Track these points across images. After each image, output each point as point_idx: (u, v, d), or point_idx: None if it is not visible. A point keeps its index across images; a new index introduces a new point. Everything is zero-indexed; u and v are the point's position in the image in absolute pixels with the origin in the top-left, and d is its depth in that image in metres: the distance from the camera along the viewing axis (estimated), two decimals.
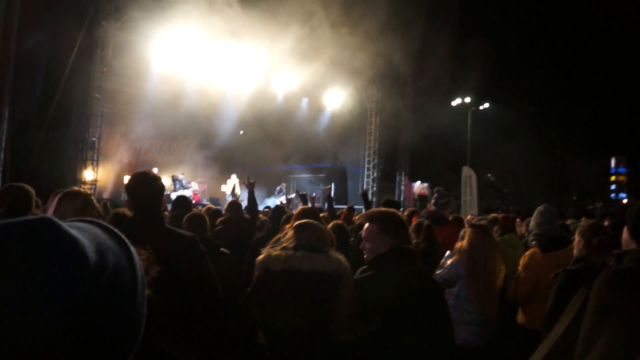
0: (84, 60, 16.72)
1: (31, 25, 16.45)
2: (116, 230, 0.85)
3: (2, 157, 14.62)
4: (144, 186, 3.09)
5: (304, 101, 23.63)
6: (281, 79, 20.93)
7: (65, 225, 0.74)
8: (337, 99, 23.39)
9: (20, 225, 0.71)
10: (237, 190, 20.94)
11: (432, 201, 6.52)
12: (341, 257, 3.14)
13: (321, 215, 5.53)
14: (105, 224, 0.85)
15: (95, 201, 5.24)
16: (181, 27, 16.42)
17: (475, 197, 22.60)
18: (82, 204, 3.18)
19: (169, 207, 7.35)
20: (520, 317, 4.52)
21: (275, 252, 3.12)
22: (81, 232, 0.76)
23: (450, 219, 6.49)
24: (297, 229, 3.25)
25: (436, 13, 18.31)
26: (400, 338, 2.80)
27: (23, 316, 0.66)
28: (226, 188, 21.12)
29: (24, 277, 0.68)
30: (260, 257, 3.13)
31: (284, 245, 3.19)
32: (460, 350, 4.32)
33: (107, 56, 17.17)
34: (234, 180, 20.97)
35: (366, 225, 3.15)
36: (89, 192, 4.01)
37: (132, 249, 0.85)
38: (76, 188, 3.41)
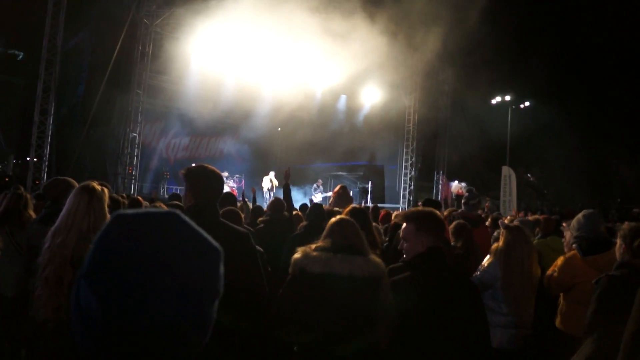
0: (126, 57, 17.06)
1: (75, 24, 16.88)
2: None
3: (47, 151, 15.02)
4: (206, 179, 3.08)
5: (342, 98, 23.59)
6: (320, 75, 20.91)
7: (190, 222, 0.80)
8: (375, 96, 23.25)
9: (154, 215, 0.77)
10: (275, 185, 21.04)
11: (463, 201, 6.40)
12: (378, 259, 3.08)
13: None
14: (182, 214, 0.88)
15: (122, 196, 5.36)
16: (221, 24, 16.55)
17: (515, 197, 22.24)
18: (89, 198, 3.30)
19: None
20: (558, 321, 4.41)
21: (314, 253, 3.04)
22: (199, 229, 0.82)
23: (488, 219, 6.38)
24: (334, 227, 3.19)
25: (476, 10, 17.99)
26: (435, 340, 2.77)
27: (183, 307, 0.72)
28: (264, 184, 21.24)
29: (169, 264, 0.73)
30: (297, 255, 3.06)
31: (319, 244, 3.12)
32: (495, 353, 4.25)
33: (148, 53, 17.50)
34: (271, 176, 21.06)
35: (404, 224, 3.13)
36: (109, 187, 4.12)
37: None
38: (94, 184, 3.48)
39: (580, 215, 4.56)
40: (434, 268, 2.95)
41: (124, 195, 6.90)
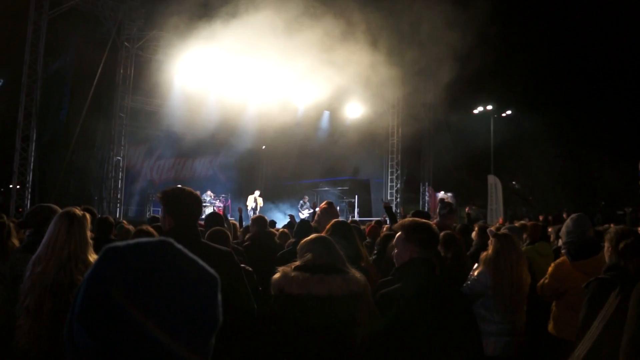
0: (108, 81, 17.03)
1: (56, 49, 16.83)
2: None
3: (30, 178, 14.88)
4: (184, 201, 3.07)
5: (325, 114, 23.68)
6: (302, 92, 21.00)
7: (183, 249, 0.77)
8: (358, 110, 23.37)
9: (147, 246, 0.74)
10: (260, 205, 21.06)
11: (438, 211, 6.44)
12: (359, 274, 3.04)
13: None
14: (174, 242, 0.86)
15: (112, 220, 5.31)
16: (203, 45, 16.60)
17: (501, 205, 22.38)
18: (69, 223, 3.27)
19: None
20: (551, 326, 4.43)
21: (292, 273, 2.99)
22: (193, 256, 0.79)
23: (475, 229, 6.39)
24: (310, 246, 3.13)
25: (456, 22, 18.21)
26: (426, 351, 2.76)
27: (183, 340, 0.69)
28: (248, 203, 21.22)
29: (165, 297, 0.70)
30: (276, 276, 3.02)
31: (298, 264, 3.07)
32: None
33: (130, 76, 17.47)
34: (255, 195, 21.09)
35: (398, 233, 3.16)
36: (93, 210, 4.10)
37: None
38: (75, 209, 3.46)
39: (568, 220, 4.59)
40: (419, 277, 2.95)
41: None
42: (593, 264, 4.05)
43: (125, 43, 17.20)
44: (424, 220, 3.25)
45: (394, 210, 24.19)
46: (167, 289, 0.70)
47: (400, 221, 3.27)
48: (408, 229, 3.10)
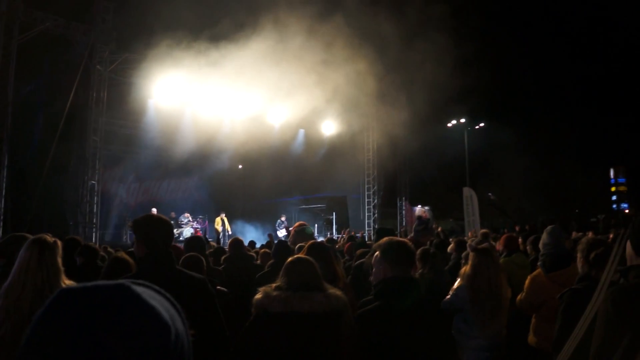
0: (81, 104, 16.87)
1: (27, 73, 16.65)
2: (170, 296, 0.85)
3: (2, 204, 14.62)
4: (155, 228, 3.13)
5: (301, 132, 23.74)
6: (277, 111, 21.07)
7: (141, 292, 0.73)
8: (333, 128, 23.49)
9: (101, 290, 0.71)
10: (228, 227, 21.08)
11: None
12: (339, 292, 3.07)
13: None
14: (160, 289, 0.84)
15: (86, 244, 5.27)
16: (175, 66, 16.59)
17: (478, 217, 22.55)
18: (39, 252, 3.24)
19: None
20: (531, 338, 4.47)
21: (274, 292, 3.02)
22: (153, 300, 0.75)
23: (452, 244, 6.46)
24: (290, 267, 3.16)
25: (427, 36, 18.49)
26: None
27: None
28: (216, 225, 21.20)
29: (109, 346, 0.66)
30: (258, 296, 3.03)
31: (278, 284, 3.09)
32: None
33: (103, 99, 17.32)
34: (222, 217, 21.13)
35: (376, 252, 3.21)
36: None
37: (183, 314, 0.85)
38: (47, 236, 3.42)
39: (544, 233, 4.68)
40: (393, 296, 2.99)
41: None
42: (567, 275, 4.13)
43: (98, 66, 17.08)
44: (399, 239, 3.29)
45: (371, 226, 24.27)
46: (111, 338, 0.67)
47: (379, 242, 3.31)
48: (382, 248, 3.15)
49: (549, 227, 4.71)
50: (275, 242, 6.44)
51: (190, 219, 20.84)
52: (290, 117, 21.11)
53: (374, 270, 3.16)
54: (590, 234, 9.22)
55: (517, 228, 16.61)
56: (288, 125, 21.87)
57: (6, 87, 14.76)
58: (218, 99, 19.24)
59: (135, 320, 0.69)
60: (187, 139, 20.10)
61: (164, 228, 3.17)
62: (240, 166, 24.31)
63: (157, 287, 0.85)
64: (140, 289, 0.76)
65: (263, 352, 2.97)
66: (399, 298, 3.00)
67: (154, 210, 16.20)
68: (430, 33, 18.46)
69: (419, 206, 28.22)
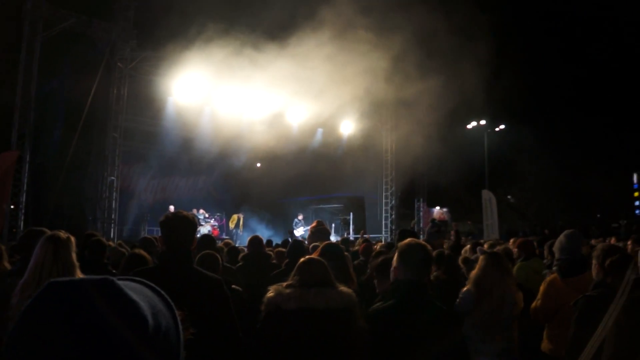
0: (101, 101, 17.06)
1: (49, 70, 16.89)
2: (163, 293, 0.89)
3: (24, 199, 14.84)
4: (177, 227, 3.15)
5: (319, 132, 23.72)
6: (295, 110, 21.08)
7: (124, 286, 0.77)
8: (352, 128, 23.43)
9: (83, 285, 0.75)
10: (241, 227, 21.20)
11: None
12: (350, 290, 3.11)
13: None
14: (153, 285, 0.89)
15: (106, 242, 5.32)
16: (195, 64, 16.68)
17: (496, 220, 22.36)
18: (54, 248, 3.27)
19: None
20: (544, 345, 4.40)
21: (287, 290, 3.05)
22: (138, 294, 0.79)
23: (467, 247, 6.40)
24: (302, 267, 3.19)
25: (449, 38, 18.36)
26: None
27: None
28: (231, 222, 21.33)
29: (87, 337, 0.71)
30: (270, 294, 3.06)
31: (290, 282, 3.12)
32: None
33: (124, 96, 17.49)
34: (240, 215, 21.28)
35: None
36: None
37: (176, 312, 0.89)
38: (61, 233, 3.48)
39: (561, 236, 4.60)
40: (405, 298, 3.00)
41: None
42: (584, 281, 4.05)
43: (119, 64, 17.25)
44: (419, 242, 3.27)
45: (388, 227, 24.17)
46: (90, 330, 0.72)
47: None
48: (400, 249, 3.14)
49: (568, 231, 4.63)
50: (291, 241, 6.44)
51: (206, 216, 20.94)
52: (309, 117, 21.11)
53: (392, 273, 3.15)
54: (612, 240, 9.07)
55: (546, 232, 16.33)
56: (307, 124, 21.86)
57: (30, 83, 14.98)
58: (237, 98, 19.31)
59: (113, 312, 0.73)
60: (206, 137, 20.22)
61: (188, 228, 3.19)
62: (258, 164, 24.36)
63: (150, 284, 0.89)
64: (124, 284, 0.79)
65: (277, 349, 2.99)
66: (409, 299, 3.00)
67: (171, 208, 16.32)
68: (450, 34, 18.33)
69: (437, 208, 28.10)
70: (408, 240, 3.27)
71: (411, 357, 2.80)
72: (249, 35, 16.72)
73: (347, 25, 17.64)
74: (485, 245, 6.20)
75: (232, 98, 19.29)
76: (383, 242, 8.92)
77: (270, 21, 16.96)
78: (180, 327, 0.89)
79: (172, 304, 0.89)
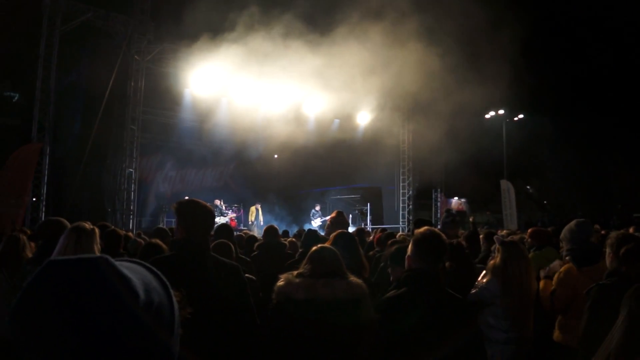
0: (119, 94, 17.21)
1: (68, 63, 17.07)
2: (159, 273, 0.95)
3: (44, 190, 15.07)
4: (197, 214, 3.16)
5: (336, 122, 23.68)
6: (312, 101, 21.05)
7: (119, 265, 0.83)
8: (369, 118, 23.34)
9: (80, 263, 0.81)
10: (261, 218, 21.29)
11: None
12: (360, 281, 3.12)
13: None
14: (150, 265, 0.95)
15: (121, 232, 5.40)
16: (211, 57, 16.73)
17: (515, 210, 22.22)
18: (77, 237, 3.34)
19: None
20: (556, 335, 4.38)
21: (297, 280, 3.08)
22: (132, 272, 0.85)
23: (481, 236, 6.37)
24: (313, 255, 3.21)
25: (467, 26, 18.16)
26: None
27: (72, 344, 0.76)
28: (249, 215, 21.43)
29: (82, 309, 0.77)
30: (280, 283, 3.09)
31: (300, 271, 3.14)
32: None
33: (141, 88, 17.62)
34: (258, 207, 21.39)
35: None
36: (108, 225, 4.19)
37: (171, 290, 0.94)
38: (85, 224, 3.57)
39: (572, 224, 4.56)
40: (415, 288, 3.00)
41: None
42: (599, 271, 4.02)
43: (136, 56, 17.37)
44: (433, 231, 3.26)
45: (405, 218, 24.10)
46: (86, 301, 0.77)
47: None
48: (415, 238, 3.17)
49: (580, 220, 4.59)
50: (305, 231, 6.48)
51: (224, 207, 21.06)
52: (325, 108, 21.07)
53: (407, 263, 3.17)
54: (631, 230, 8.95)
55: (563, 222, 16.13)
56: (323, 115, 21.83)
57: (49, 77, 15.17)
58: (254, 89, 19.34)
59: (106, 286, 0.79)
60: (223, 128, 20.32)
61: (206, 215, 3.20)
62: (275, 156, 24.42)
63: (146, 264, 0.95)
64: (119, 263, 0.85)
65: (286, 338, 3.03)
66: (421, 288, 3.00)
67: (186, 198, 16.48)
68: (468, 23, 18.13)
69: (455, 198, 27.94)
70: (423, 229, 3.27)
71: (422, 346, 2.81)
72: (266, 27, 16.73)
73: (364, 16, 17.57)
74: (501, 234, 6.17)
75: (248, 89, 19.32)
76: (402, 233, 8.91)
77: (287, 13, 16.94)
78: (176, 305, 0.93)
79: (168, 283, 0.94)
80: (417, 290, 2.98)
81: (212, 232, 6.34)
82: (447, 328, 2.87)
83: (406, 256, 3.16)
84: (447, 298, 3.07)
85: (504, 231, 8.50)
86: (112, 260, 0.82)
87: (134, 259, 0.96)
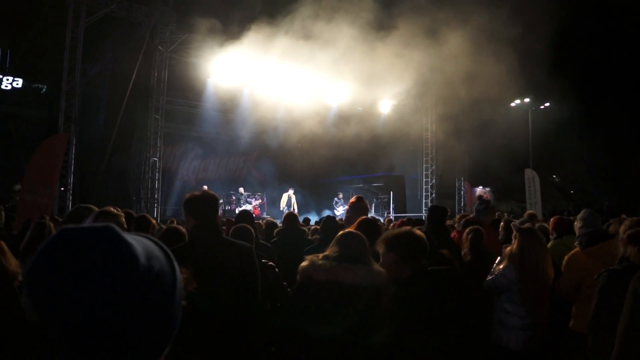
0: (143, 84, 17.38)
1: (93, 55, 17.31)
2: (163, 245, 1.03)
3: (71, 180, 15.36)
4: (201, 203, 3.42)
5: (358, 111, 23.61)
6: (335, 90, 21.01)
7: (123, 233, 0.91)
8: (392, 106, 23.22)
9: (87, 230, 0.89)
10: (294, 203, 21.24)
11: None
12: (382, 269, 3.17)
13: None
14: (156, 239, 1.03)
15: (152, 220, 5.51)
16: (233, 46, 16.80)
17: (540, 200, 21.96)
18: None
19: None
20: (572, 323, 4.40)
21: (320, 261, 3.16)
22: (135, 241, 0.93)
23: (501, 224, 6.37)
24: (340, 239, 3.30)
25: (492, 15, 17.89)
26: (430, 338, 2.83)
27: (74, 303, 0.83)
28: (281, 202, 21.45)
29: (87, 269, 0.85)
30: (304, 263, 3.21)
31: (326, 254, 3.22)
32: (512, 355, 4.26)
33: (164, 78, 17.79)
34: (290, 193, 21.32)
35: None
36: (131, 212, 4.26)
37: (175, 262, 1.01)
38: (111, 208, 3.72)
39: (583, 212, 4.62)
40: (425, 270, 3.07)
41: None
42: (604, 250, 4.04)
43: (159, 47, 17.54)
44: (417, 235, 3.31)
45: (429, 207, 23.99)
46: (89, 266, 0.85)
47: None
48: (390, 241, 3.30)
49: (584, 211, 4.69)
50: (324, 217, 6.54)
51: (247, 196, 21.20)
52: (348, 96, 21.02)
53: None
54: None
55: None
56: (346, 104, 21.77)
57: (74, 69, 15.41)
58: (276, 78, 19.37)
59: (109, 250, 0.87)
60: (246, 118, 20.42)
61: (208, 202, 3.43)
62: (298, 144, 24.49)
63: (153, 238, 1.02)
64: (126, 233, 0.92)
65: (307, 316, 3.12)
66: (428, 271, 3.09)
67: (205, 187, 16.63)
68: (493, 10, 17.87)
69: (480, 187, 27.69)
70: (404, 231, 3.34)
71: (428, 325, 2.86)
72: (288, 16, 16.72)
73: (388, 3, 17.46)
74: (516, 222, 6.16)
75: (271, 78, 19.35)
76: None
77: (307, 2, 16.89)
78: (179, 276, 1.00)
79: (172, 256, 1.01)
80: (428, 272, 3.03)
81: (233, 218, 6.42)
82: (457, 306, 2.90)
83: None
84: (460, 281, 3.11)
85: (526, 214, 8.44)
86: (118, 229, 0.90)
87: (143, 234, 1.02)
